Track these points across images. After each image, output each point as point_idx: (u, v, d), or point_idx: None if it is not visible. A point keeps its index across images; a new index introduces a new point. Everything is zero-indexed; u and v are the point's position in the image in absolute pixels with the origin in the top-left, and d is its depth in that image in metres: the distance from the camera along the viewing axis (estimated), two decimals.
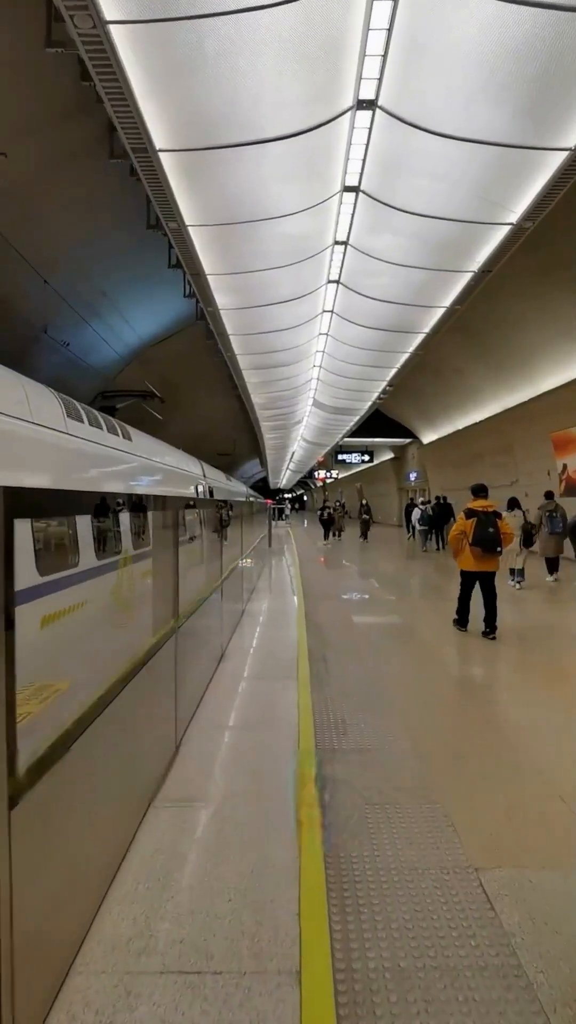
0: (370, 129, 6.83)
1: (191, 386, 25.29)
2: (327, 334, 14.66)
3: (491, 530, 7.04)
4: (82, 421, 8.38)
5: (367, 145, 7.16)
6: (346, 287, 11.62)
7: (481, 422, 21.56)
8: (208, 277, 10.07)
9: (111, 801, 2.71)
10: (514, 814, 3.21)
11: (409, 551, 20.10)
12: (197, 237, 8.69)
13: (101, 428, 8.49)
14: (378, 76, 5.99)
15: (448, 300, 11.61)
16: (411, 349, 15.11)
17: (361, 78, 6.01)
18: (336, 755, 3.92)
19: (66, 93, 7.85)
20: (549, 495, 11.94)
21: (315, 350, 16.02)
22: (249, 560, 12.29)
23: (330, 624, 7.99)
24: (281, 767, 3.76)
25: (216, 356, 16.06)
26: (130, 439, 9.76)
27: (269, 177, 7.67)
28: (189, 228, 8.35)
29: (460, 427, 23.94)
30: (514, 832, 3.04)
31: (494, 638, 7.03)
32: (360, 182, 8.01)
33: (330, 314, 13.21)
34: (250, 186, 7.79)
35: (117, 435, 9.09)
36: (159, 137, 6.36)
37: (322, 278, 11.24)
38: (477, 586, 7.33)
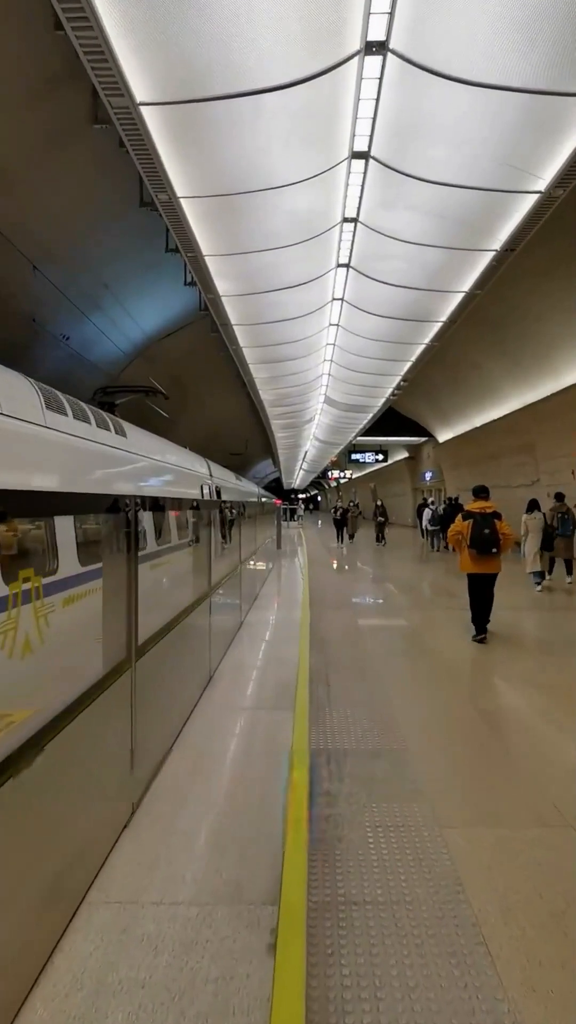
0: (380, 80, 6.01)
1: (201, 384, 24.55)
2: (337, 324, 13.83)
3: (487, 532, 7.02)
4: (65, 414, 7.63)
5: (377, 100, 6.34)
6: (357, 271, 10.80)
7: (499, 419, 20.62)
8: (206, 259, 9.30)
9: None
10: None
11: (425, 555, 19.22)
12: (191, 211, 7.92)
13: (89, 422, 7.77)
14: (389, 10, 5.17)
15: (467, 284, 10.74)
16: (427, 340, 14.25)
17: (370, 13, 5.21)
18: (334, 824, 3.11)
19: (45, 54, 7.13)
20: (559, 497, 11.42)
21: (325, 342, 15.20)
22: (255, 564, 11.52)
23: (336, 638, 7.19)
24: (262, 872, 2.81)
25: (223, 351, 15.29)
26: (125, 435, 9.03)
27: (267, 140, 6.88)
28: (181, 200, 7.59)
29: (477, 424, 23.00)
30: None
31: (484, 641, 7.08)
32: (370, 146, 7.19)
33: (340, 302, 12.39)
34: (246, 150, 7.00)
35: (109, 431, 8.35)
36: (140, 87, 5.60)
37: (331, 261, 10.43)
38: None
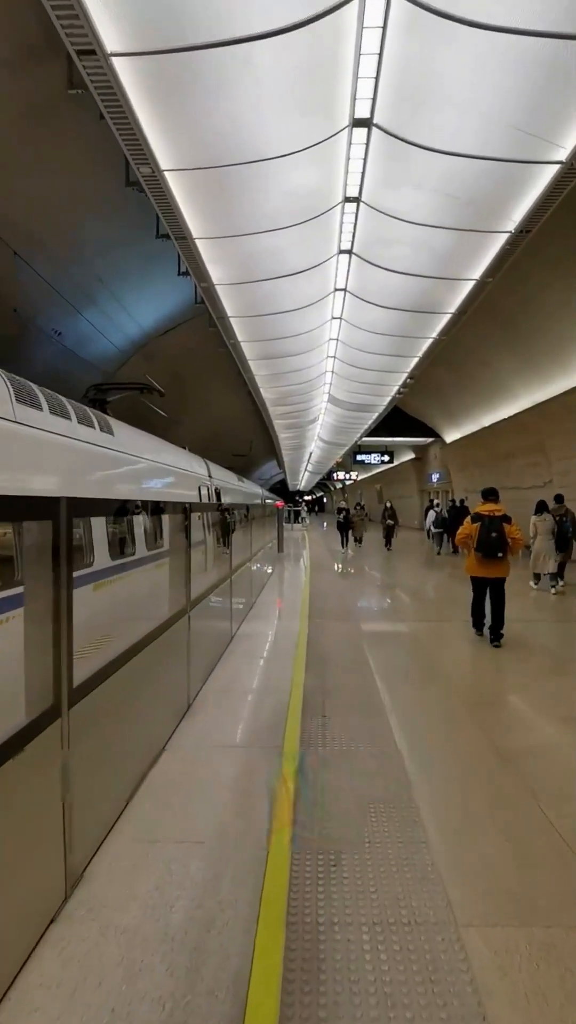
0: (384, 28, 5.32)
1: (202, 383, 23.88)
2: (340, 318, 13.13)
3: (493, 535, 6.90)
4: (40, 408, 7.04)
5: (380, 55, 5.64)
6: (360, 258, 10.10)
7: (510, 418, 19.88)
8: (197, 243, 8.63)
9: None
10: None
11: (430, 559, 18.48)
12: (178, 186, 7.25)
13: (69, 418, 7.12)
14: None
15: (478, 271, 10.02)
16: (435, 334, 13.52)
17: None
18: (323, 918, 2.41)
19: (23, 24, 6.50)
20: (559, 499, 11.11)
21: (328, 337, 14.50)
22: (254, 569, 10.84)
23: (336, 657, 6.49)
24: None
25: (223, 347, 14.59)
26: (111, 433, 8.38)
27: (258, 102, 6.21)
28: (166, 174, 6.91)
29: (486, 424, 22.25)
30: None
31: (499, 646, 6.92)
32: (373, 111, 6.49)
33: (343, 293, 11.69)
34: (235, 115, 6.32)
35: (93, 427, 7.69)
36: (110, 35, 4.93)
37: (332, 246, 9.74)
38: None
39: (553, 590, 10.74)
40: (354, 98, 6.31)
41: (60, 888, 2.49)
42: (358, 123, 6.71)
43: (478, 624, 7.50)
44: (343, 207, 8.59)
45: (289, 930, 2.37)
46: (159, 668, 4.08)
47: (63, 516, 2.52)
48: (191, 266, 9.40)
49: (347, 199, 8.38)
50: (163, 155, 6.69)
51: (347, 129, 6.79)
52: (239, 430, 32.68)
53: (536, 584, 11.17)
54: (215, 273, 9.77)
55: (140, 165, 6.73)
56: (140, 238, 11.72)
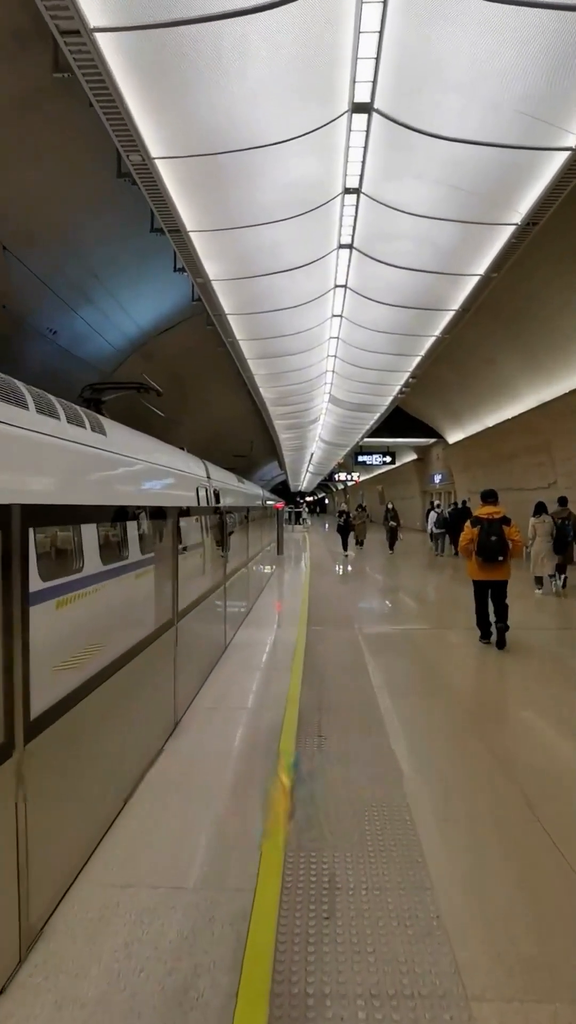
0: (384, 3, 5.01)
1: (202, 383, 23.57)
2: (340, 315, 12.82)
3: (493, 538, 6.87)
4: (26, 407, 6.74)
5: (381, 33, 5.33)
6: (361, 253, 9.79)
7: (514, 418, 19.54)
8: (191, 236, 8.32)
9: None
10: None
11: (431, 561, 18.16)
12: (170, 176, 6.94)
13: (57, 417, 6.82)
14: None
15: (482, 266, 9.70)
16: (437, 332, 13.20)
17: None
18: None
19: (12, 9, 6.21)
20: (563, 501, 11.06)
21: (328, 335, 14.18)
22: (251, 574, 10.53)
23: (335, 667, 6.18)
24: None
25: (223, 346, 14.26)
26: (103, 433, 8.08)
27: (254, 86, 5.90)
28: (157, 163, 6.61)
29: (490, 424, 21.92)
30: None
31: (504, 646, 6.90)
32: (373, 96, 6.18)
33: (343, 289, 11.38)
34: (229, 101, 6.02)
35: (83, 427, 7.39)
36: (92, 7, 4.63)
37: (332, 240, 9.43)
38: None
39: (553, 590, 10.83)
40: (353, 81, 6.00)
41: (14, 951, 2.18)
42: (358, 108, 6.40)
43: (484, 632, 7.34)
44: (343, 199, 8.28)
45: (273, 1003, 2.05)
46: (140, 688, 3.78)
47: (15, 525, 2.22)
48: (186, 261, 9.10)
49: (347, 190, 8.08)
50: (153, 142, 6.38)
51: (346, 115, 6.49)
52: (240, 431, 32.37)
53: (540, 588, 10.99)
54: (211, 269, 9.46)
55: (130, 152, 6.43)
56: (136, 233, 11.41)
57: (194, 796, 3.50)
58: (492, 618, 7.20)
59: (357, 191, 8.07)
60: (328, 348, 15.22)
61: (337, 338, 14.38)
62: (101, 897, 2.57)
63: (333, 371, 17.39)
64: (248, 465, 44.07)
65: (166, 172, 6.89)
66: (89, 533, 6.69)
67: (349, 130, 6.79)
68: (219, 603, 6.74)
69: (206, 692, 5.29)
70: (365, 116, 6.51)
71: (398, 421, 27.21)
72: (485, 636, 7.31)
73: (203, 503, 13.52)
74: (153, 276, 14.54)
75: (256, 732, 4.44)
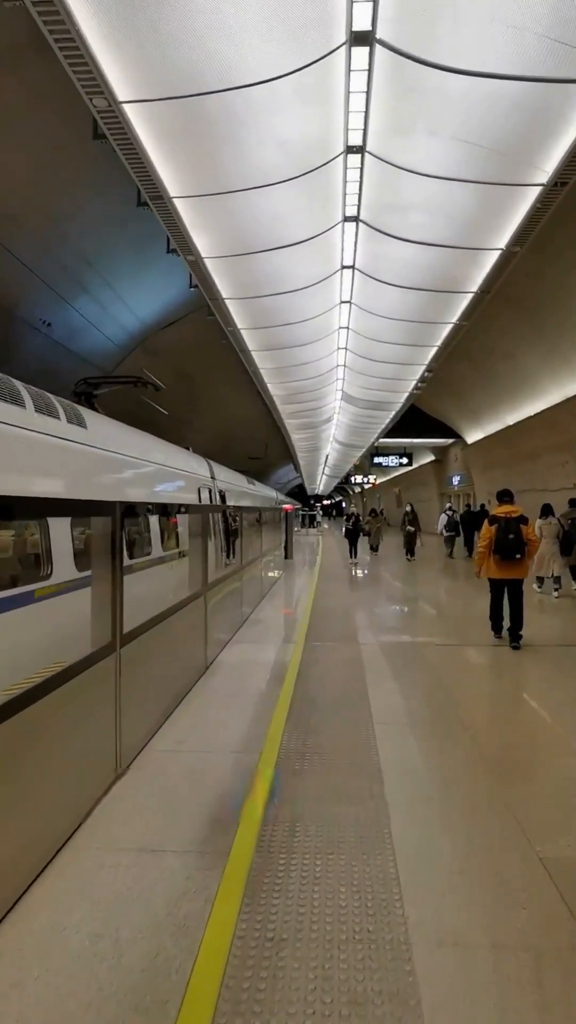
0: None
1: (213, 383, 22.73)
2: (350, 302, 11.86)
3: (510, 536, 6.97)
4: None
5: None
6: (369, 226, 8.83)
7: (536, 415, 18.43)
8: (175, 203, 7.44)
9: None
10: None
11: (456, 568, 17.08)
12: (142, 125, 6.05)
13: (22, 405, 5.97)
14: None
15: (503, 239, 8.68)
16: (455, 319, 12.17)
17: None
18: None
19: None
20: (574, 503, 10.85)
21: (337, 325, 13.23)
22: (250, 581, 9.61)
23: (329, 696, 5.21)
24: None
25: (225, 339, 13.37)
26: (82, 425, 7.22)
27: (231, 16, 5.00)
28: (125, 107, 5.73)
29: (510, 423, 20.81)
30: None
31: (518, 647, 6.96)
32: (375, 22, 5.23)
33: (351, 271, 10.43)
34: (203, 29, 5.12)
35: (57, 418, 6.54)
36: None
37: (336, 211, 8.49)
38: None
39: (556, 594, 10.82)
40: (351, 1, 5.07)
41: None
42: (358, 39, 5.46)
43: (496, 627, 7.49)
44: (345, 159, 7.34)
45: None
46: (53, 736, 2.86)
47: None
48: (173, 235, 8.21)
49: (349, 149, 7.14)
50: (120, 82, 5.51)
51: (344, 48, 5.55)
52: (254, 432, 31.50)
53: (540, 587, 11.30)
54: (202, 244, 8.57)
55: (93, 95, 5.56)
56: (130, 217, 10.60)
57: (101, 917, 2.55)
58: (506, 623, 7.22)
59: (361, 149, 7.14)
60: (338, 339, 14.26)
61: (347, 328, 13.41)
62: None
63: (344, 365, 16.42)
64: (263, 467, 43.17)
65: (139, 121, 6.00)
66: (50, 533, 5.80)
67: (349, 70, 5.85)
68: (196, 617, 5.81)
69: (168, 730, 4.35)
70: (366, 49, 5.56)
71: (414, 421, 26.19)
72: (497, 631, 7.45)
73: (205, 503, 12.65)
74: (152, 265, 13.73)
75: (218, 788, 3.49)
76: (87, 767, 3.25)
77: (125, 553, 8.15)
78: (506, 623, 7.25)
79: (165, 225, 7.93)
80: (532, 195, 7.50)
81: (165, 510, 7.74)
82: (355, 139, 6.98)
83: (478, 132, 6.66)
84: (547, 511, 11.18)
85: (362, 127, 6.76)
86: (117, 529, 3.62)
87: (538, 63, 5.49)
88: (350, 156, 7.29)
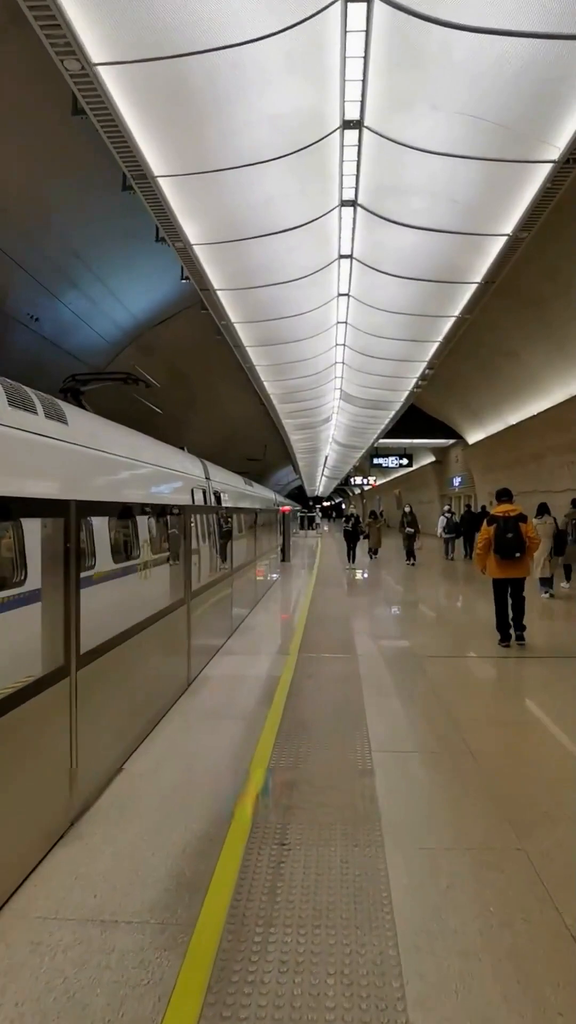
0: None
1: (211, 383, 22.22)
2: (348, 294, 11.36)
3: (509, 535, 6.98)
4: None
5: None
6: (367, 211, 8.34)
7: (540, 414, 17.94)
8: (160, 183, 6.93)
9: None
10: None
11: (458, 573, 16.57)
12: (122, 95, 5.55)
13: None
14: None
15: (510, 223, 8.17)
16: (457, 312, 11.67)
17: None
18: None
19: None
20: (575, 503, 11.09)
21: (335, 319, 12.73)
22: (246, 585, 9.11)
23: (322, 719, 4.69)
24: None
25: (219, 334, 12.85)
26: (62, 421, 6.73)
27: None
28: (99, 69, 5.22)
29: (512, 423, 20.32)
30: None
31: (523, 644, 7.05)
32: None
33: (349, 261, 9.93)
34: None
35: (33, 412, 6.05)
36: None
37: (332, 195, 7.99)
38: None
39: (546, 594, 10.86)
40: None
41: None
42: None
43: (503, 632, 7.26)
44: (342, 136, 6.84)
45: None
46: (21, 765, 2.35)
47: None
48: (159, 219, 7.70)
49: (346, 123, 6.64)
50: (94, 43, 5.00)
51: (340, 2, 5.05)
52: (252, 433, 31.01)
53: (544, 590, 11.09)
54: (190, 229, 8.06)
55: (64, 57, 5.05)
56: (119, 208, 10.08)
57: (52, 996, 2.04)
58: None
59: (359, 124, 6.63)
60: (336, 335, 13.76)
61: (345, 323, 12.91)
62: None
63: (342, 362, 15.92)
64: (263, 469, 42.63)
65: (117, 89, 5.50)
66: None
67: (344, 31, 5.35)
68: (178, 629, 5.30)
69: (137, 762, 3.83)
70: (364, 5, 5.07)
71: (415, 421, 25.70)
72: (505, 639, 7.20)
73: (199, 504, 12.13)
74: (144, 259, 13.22)
75: (188, 837, 2.97)
76: (35, 814, 2.74)
77: (110, 558, 7.69)
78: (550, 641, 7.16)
79: (151, 209, 7.43)
80: (542, 173, 7.00)
81: (144, 510, 7.22)
82: (352, 112, 6.47)
83: (485, 103, 6.16)
84: (543, 510, 11.07)
85: (359, 98, 6.25)
86: (72, 532, 3.11)
87: (554, 16, 4.98)
88: (347, 132, 6.79)
